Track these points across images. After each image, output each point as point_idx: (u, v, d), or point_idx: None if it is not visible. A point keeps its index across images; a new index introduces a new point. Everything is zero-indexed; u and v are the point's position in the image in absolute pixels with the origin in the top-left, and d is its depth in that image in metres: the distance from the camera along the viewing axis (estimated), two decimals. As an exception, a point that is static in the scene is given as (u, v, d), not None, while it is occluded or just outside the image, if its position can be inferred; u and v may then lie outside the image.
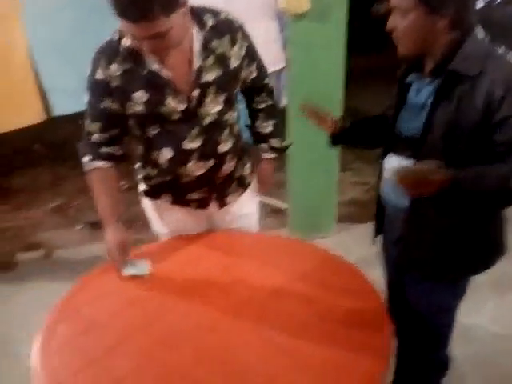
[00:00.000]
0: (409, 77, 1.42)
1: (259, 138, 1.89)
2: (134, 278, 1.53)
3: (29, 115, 2.67)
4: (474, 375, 2.15)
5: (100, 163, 1.62)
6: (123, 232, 1.62)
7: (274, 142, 1.89)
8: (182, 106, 1.55)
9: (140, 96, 1.51)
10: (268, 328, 1.31)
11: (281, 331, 1.29)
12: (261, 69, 1.76)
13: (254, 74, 1.72)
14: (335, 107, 3.04)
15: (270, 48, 2.75)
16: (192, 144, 1.59)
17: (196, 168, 1.64)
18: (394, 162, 1.45)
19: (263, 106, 1.83)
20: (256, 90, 1.79)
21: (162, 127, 1.58)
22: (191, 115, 1.57)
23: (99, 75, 1.52)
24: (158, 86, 1.51)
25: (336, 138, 1.68)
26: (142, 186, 1.82)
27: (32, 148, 5.10)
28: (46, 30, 2.61)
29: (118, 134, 1.63)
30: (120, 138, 1.64)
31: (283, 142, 1.94)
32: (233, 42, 1.57)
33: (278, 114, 1.93)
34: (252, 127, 1.89)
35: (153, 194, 1.79)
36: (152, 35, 1.34)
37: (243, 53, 1.63)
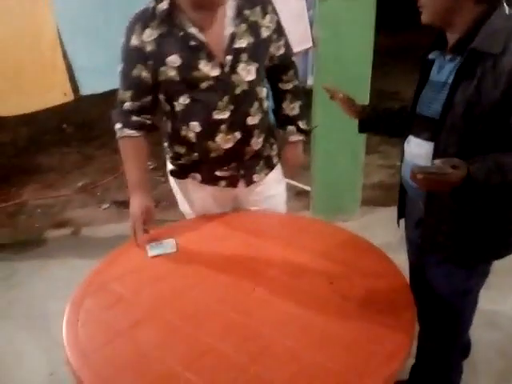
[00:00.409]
0: (431, 54, 1.38)
1: (286, 120, 1.87)
2: (160, 256, 1.56)
3: (58, 95, 2.72)
4: (497, 361, 2.13)
5: (130, 131, 1.65)
6: (149, 199, 1.67)
7: (302, 124, 1.87)
8: (215, 72, 1.56)
9: (174, 60, 1.54)
10: (292, 306, 1.32)
11: (304, 309, 1.30)
12: (288, 46, 1.76)
13: (282, 51, 1.73)
14: (363, 88, 2.99)
15: (297, 26, 2.70)
16: (221, 115, 1.60)
17: (224, 141, 1.64)
18: (413, 145, 1.43)
19: (290, 86, 1.82)
20: (282, 67, 1.78)
21: (191, 97, 1.59)
22: (223, 83, 1.58)
23: (133, 41, 1.55)
24: (192, 49, 1.54)
25: (363, 125, 1.68)
26: (170, 166, 1.83)
27: (61, 127, 5.19)
28: (73, 11, 2.63)
29: (150, 103, 1.64)
30: (151, 108, 1.66)
31: (309, 123, 1.92)
32: (264, 13, 1.62)
33: (303, 96, 1.91)
34: (278, 109, 1.88)
35: (181, 173, 1.81)
36: None
37: (273, 26, 1.65)
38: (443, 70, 1.34)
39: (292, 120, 1.86)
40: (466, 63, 1.25)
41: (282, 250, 1.58)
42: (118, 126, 1.66)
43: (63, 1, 2.61)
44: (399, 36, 7.10)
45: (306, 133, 1.92)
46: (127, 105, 1.63)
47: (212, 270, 1.49)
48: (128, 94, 1.62)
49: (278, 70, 1.78)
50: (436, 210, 1.41)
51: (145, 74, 1.58)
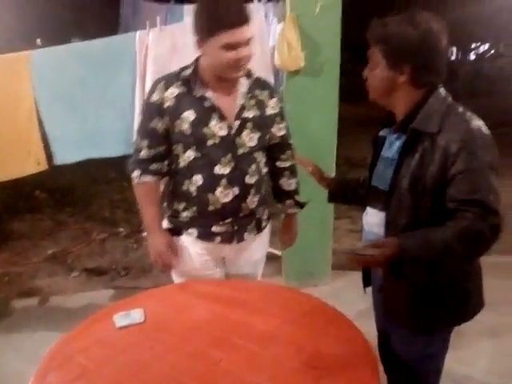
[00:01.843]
0: (382, 131, 1.52)
1: (283, 194, 2.03)
2: (127, 327, 1.55)
3: (32, 164, 2.77)
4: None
5: (147, 178, 1.82)
6: (168, 235, 1.87)
7: (298, 198, 2.05)
8: (223, 132, 1.74)
9: (188, 115, 1.73)
10: (258, 375, 1.31)
11: (271, 378, 1.30)
12: (287, 130, 1.97)
13: (283, 132, 1.94)
14: (329, 157, 3.14)
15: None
16: (223, 170, 1.75)
17: (224, 195, 1.77)
18: (369, 215, 1.53)
19: (288, 164, 2.00)
20: (281, 147, 1.96)
21: (197, 152, 1.75)
22: (228, 142, 1.75)
23: (154, 97, 1.75)
24: (205, 109, 1.74)
25: (332, 196, 1.81)
26: (167, 225, 1.92)
27: (33, 194, 5.18)
28: (52, 85, 2.73)
29: (164, 152, 1.80)
30: (165, 156, 1.81)
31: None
32: (271, 96, 1.87)
33: (298, 173, 2.07)
34: (276, 185, 2.03)
35: (178, 230, 1.88)
36: (249, 38, 1.65)
37: (277, 110, 1.89)
38: (392, 147, 1.46)
39: (289, 194, 2.03)
40: (408, 141, 1.38)
41: (250, 318, 1.59)
42: (135, 173, 1.82)
43: (42, 74, 2.72)
44: (365, 106, 7.48)
45: (302, 206, 2.08)
46: (144, 153, 1.79)
47: (179, 340, 1.49)
48: (144, 142, 1.79)
49: (278, 149, 1.96)
50: (393, 277, 1.46)
51: (160, 126, 1.75)
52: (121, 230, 4.31)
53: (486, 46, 15.44)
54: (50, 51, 2.84)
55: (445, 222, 1.30)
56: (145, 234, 1.95)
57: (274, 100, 1.87)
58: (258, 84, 1.85)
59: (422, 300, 1.46)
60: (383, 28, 1.36)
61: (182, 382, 1.32)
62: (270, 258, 3.59)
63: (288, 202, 2.04)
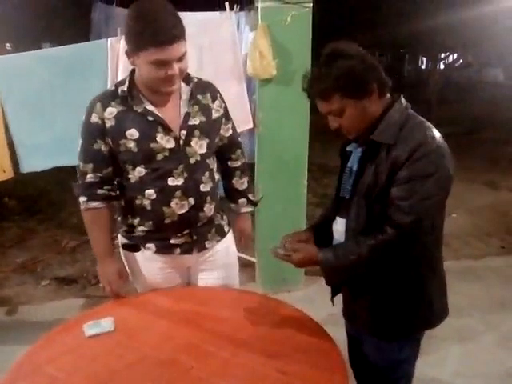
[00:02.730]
0: (349, 146, 1.55)
1: (236, 193, 2.02)
2: (97, 335, 1.54)
3: (-2, 172, 2.70)
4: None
5: (95, 203, 1.73)
6: (119, 262, 1.81)
7: (251, 196, 2.05)
8: (170, 145, 1.69)
9: (132, 133, 1.66)
10: (229, 382, 1.32)
11: (241, 386, 1.31)
12: (234, 129, 1.96)
13: (230, 132, 1.93)
14: (301, 164, 3.18)
15: (238, 109, 2.88)
16: (176, 181, 1.71)
17: (179, 206, 1.73)
18: (337, 223, 1.57)
19: (238, 163, 1.99)
20: (230, 147, 1.95)
21: (149, 167, 1.69)
22: (178, 154, 1.70)
23: (94, 118, 1.66)
24: (150, 124, 1.67)
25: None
26: (123, 240, 1.87)
27: (1, 201, 5.06)
28: (19, 91, 2.69)
29: (110, 174, 1.73)
30: (112, 178, 1.75)
31: (256, 195, 2.07)
32: (213, 99, 1.81)
33: (249, 171, 2.08)
34: (228, 185, 2.02)
35: (134, 246, 1.84)
36: (178, 57, 1.56)
37: (222, 111, 1.85)
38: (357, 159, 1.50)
39: (241, 193, 2.02)
40: (368, 152, 1.43)
41: (221, 325, 1.60)
42: (82, 198, 1.73)
43: (8, 80, 2.67)
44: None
45: (255, 204, 2.09)
46: (89, 177, 1.71)
47: (149, 348, 1.48)
48: (89, 166, 1.70)
49: (227, 149, 1.95)
50: (354, 286, 1.53)
51: (104, 148, 1.68)
52: (66, 241, 4.22)
53: (455, 56, 15.87)
54: (18, 57, 2.80)
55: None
56: (116, 241, 1.92)
57: (217, 102, 1.82)
58: (199, 87, 1.77)
59: (384, 308, 1.50)
60: (323, 80, 1.35)
61: (153, 390, 1.31)
62: (245, 265, 3.62)
63: (241, 200, 2.03)
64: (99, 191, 1.72)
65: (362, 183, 1.43)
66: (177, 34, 1.53)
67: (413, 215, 1.33)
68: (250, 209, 2.07)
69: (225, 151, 1.94)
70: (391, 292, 1.48)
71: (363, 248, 1.38)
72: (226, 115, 1.90)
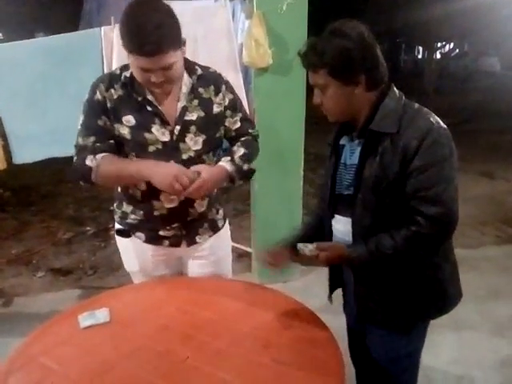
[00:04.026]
0: (342, 139, 1.51)
1: (226, 155, 1.80)
2: (92, 326, 1.53)
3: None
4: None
5: (101, 155, 1.62)
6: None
7: (238, 161, 1.75)
8: (165, 138, 1.65)
9: (129, 119, 1.63)
10: (225, 372, 1.32)
11: (238, 375, 1.31)
12: (245, 121, 1.84)
13: (238, 125, 1.81)
14: (297, 153, 3.16)
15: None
16: None
17: (168, 201, 1.70)
18: (338, 222, 1.53)
19: (244, 139, 1.83)
20: (240, 137, 1.83)
21: (139, 157, 1.64)
22: (170, 148, 1.66)
23: (97, 96, 1.64)
24: (148, 113, 1.64)
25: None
26: (117, 226, 1.86)
27: (-4, 193, 5.04)
28: (12, 81, 2.66)
29: (113, 146, 1.65)
30: (114, 150, 1.65)
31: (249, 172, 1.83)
32: (216, 92, 1.74)
33: (255, 151, 1.88)
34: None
35: (126, 232, 1.83)
36: (162, 67, 1.51)
37: (226, 103, 1.76)
38: (354, 154, 1.45)
39: (232, 155, 1.77)
40: (368, 143, 1.39)
41: (217, 315, 1.60)
42: (88, 161, 1.61)
43: (0, 69, 2.64)
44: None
45: (241, 170, 1.75)
46: (90, 146, 1.63)
47: (145, 339, 1.47)
48: (91, 139, 1.63)
49: (235, 140, 1.83)
50: (365, 279, 1.50)
51: (106, 125, 1.64)
52: (88, 228, 4.23)
53: (452, 45, 15.82)
54: (9, 46, 2.76)
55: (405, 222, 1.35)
56: (112, 232, 1.90)
57: (221, 95, 1.74)
58: (202, 80, 1.71)
59: (398, 298, 1.48)
60: (317, 52, 1.34)
61: (149, 380, 1.31)
62: (240, 255, 3.62)
63: (225, 158, 1.75)
64: (102, 148, 1.63)
65: (366, 177, 1.38)
66: (163, 46, 1.47)
67: (440, 203, 1.32)
68: (228, 166, 1.71)
69: (233, 142, 1.83)
70: (405, 282, 1.46)
71: (398, 241, 1.35)
72: (234, 107, 1.79)
